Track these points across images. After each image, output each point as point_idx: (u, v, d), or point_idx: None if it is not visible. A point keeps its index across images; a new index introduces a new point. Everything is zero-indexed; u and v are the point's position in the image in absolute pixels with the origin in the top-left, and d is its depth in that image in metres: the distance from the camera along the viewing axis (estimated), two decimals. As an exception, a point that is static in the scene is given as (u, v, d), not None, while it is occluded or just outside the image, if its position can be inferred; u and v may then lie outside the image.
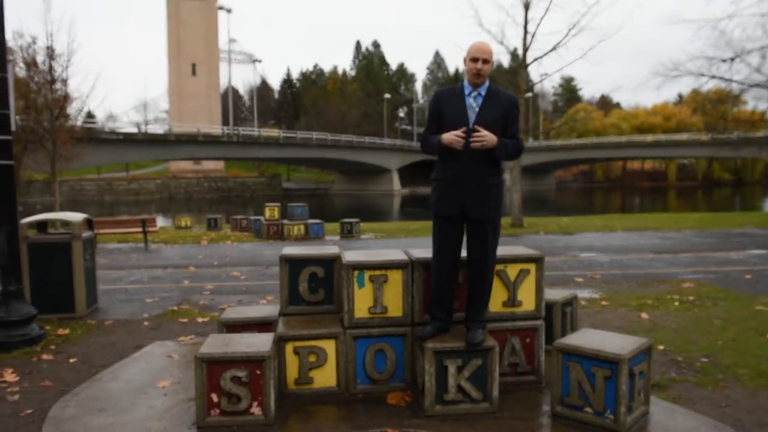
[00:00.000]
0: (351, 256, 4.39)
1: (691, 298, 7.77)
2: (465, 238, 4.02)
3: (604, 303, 7.55)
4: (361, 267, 4.19)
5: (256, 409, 3.75)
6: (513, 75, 23.28)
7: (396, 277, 4.21)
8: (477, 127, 3.81)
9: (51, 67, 23.02)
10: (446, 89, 4.12)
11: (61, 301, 6.96)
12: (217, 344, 3.91)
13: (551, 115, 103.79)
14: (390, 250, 4.72)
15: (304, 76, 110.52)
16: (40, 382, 4.78)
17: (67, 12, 55.74)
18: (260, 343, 3.91)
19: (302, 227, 17.14)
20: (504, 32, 31.42)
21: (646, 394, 3.90)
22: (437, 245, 4.02)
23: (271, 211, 17.71)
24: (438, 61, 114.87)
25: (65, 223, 7.40)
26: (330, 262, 4.60)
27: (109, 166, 63.35)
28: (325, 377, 4.20)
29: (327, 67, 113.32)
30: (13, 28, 33.22)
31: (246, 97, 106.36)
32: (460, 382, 3.89)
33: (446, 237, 3.98)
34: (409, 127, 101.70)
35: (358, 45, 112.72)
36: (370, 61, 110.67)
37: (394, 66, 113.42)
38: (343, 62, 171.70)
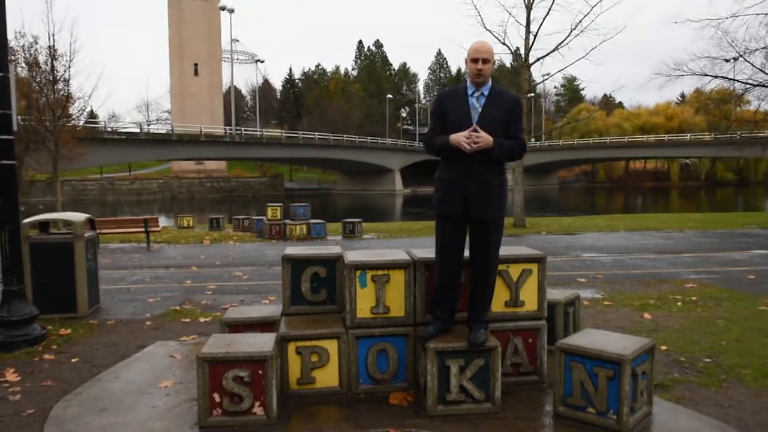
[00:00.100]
0: (353, 256, 4.39)
1: (693, 298, 7.75)
2: (468, 238, 4.02)
3: (606, 303, 7.54)
4: (364, 267, 4.18)
5: (258, 409, 3.74)
6: (515, 75, 23.28)
7: (398, 277, 4.21)
8: (475, 128, 3.80)
9: (53, 67, 23.03)
10: (449, 90, 4.11)
11: (63, 301, 6.96)
12: (220, 344, 3.91)
13: (553, 115, 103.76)
14: (392, 250, 4.71)
15: (307, 76, 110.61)
16: (41, 382, 4.78)
17: (70, 11, 55.61)
18: (262, 343, 3.91)
19: (304, 227, 17.15)
20: (506, 32, 31.52)
21: (649, 394, 3.88)
22: (440, 245, 4.01)
23: (274, 211, 17.74)
24: (440, 61, 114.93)
25: (67, 223, 7.41)
26: (332, 262, 4.59)
27: (112, 166, 63.34)
28: (328, 377, 4.20)
29: (329, 67, 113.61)
30: (15, 27, 33.24)
31: (248, 97, 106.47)
32: (462, 383, 3.89)
33: (449, 237, 3.97)
34: (411, 127, 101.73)
35: (360, 45, 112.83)
36: (373, 61, 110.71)
37: (396, 66, 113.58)
38: (346, 62, 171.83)
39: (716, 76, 20.50)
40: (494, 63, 3.97)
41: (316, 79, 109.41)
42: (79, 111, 25.91)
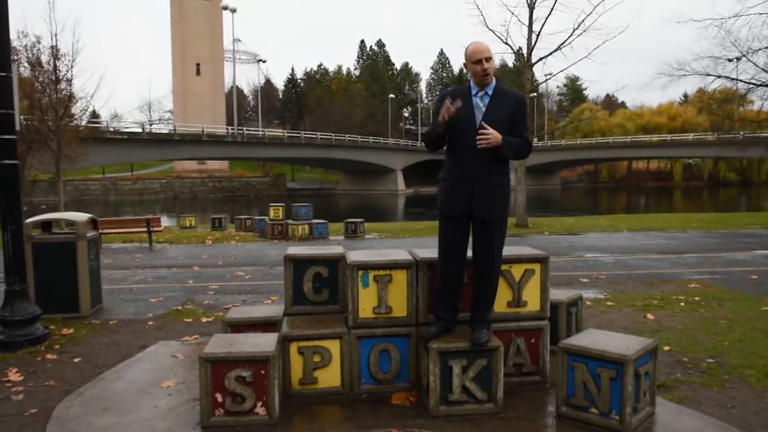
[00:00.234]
0: (355, 256, 4.38)
1: (696, 298, 7.74)
2: (471, 238, 4.01)
3: (609, 303, 7.53)
4: (366, 267, 4.18)
5: (260, 409, 3.74)
6: (518, 74, 23.24)
7: (400, 277, 4.20)
8: (483, 124, 3.79)
9: (55, 67, 23.06)
10: (453, 89, 4.07)
11: (65, 300, 6.96)
12: (222, 344, 3.91)
13: (556, 115, 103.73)
14: (394, 250, 4.70)
15: (309, 76, 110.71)
16: (44, 381, 4.78)
17: (72, 11, 55.71)
18: (265, 343, 3.91)
19: (306, 227, 17.16)
20: (509, 32, 31.54)
21: (652, 394, 3.88)
22: (443, 245, 4.00)
23: (276, 211, 17.75)
24: (442, 61, 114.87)
25: (70, 223, 7.42)
26: (334, 262, 4.59)
27: (114, 166, 63.43)
28: (330, 377, 4.19)
29: (331, 67, 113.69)
30: (18, 27, 33.38)
31: (250, 97, 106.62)
32: (464, 383, 3.88)
33: (452, 237, 3.96)
34: (413, 127, 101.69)
35: (362, 45, 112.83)
36: (375, 60, 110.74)
37: (398, 66, 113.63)
38: (348, 62, 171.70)
39: (719, 76, 20.47)
40: (494, 59, 3.95)
41: (318, 78, 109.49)
42: (81, 111, 25.96)
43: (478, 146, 3.76)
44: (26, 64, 22.88)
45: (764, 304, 7.29)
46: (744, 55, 19.49)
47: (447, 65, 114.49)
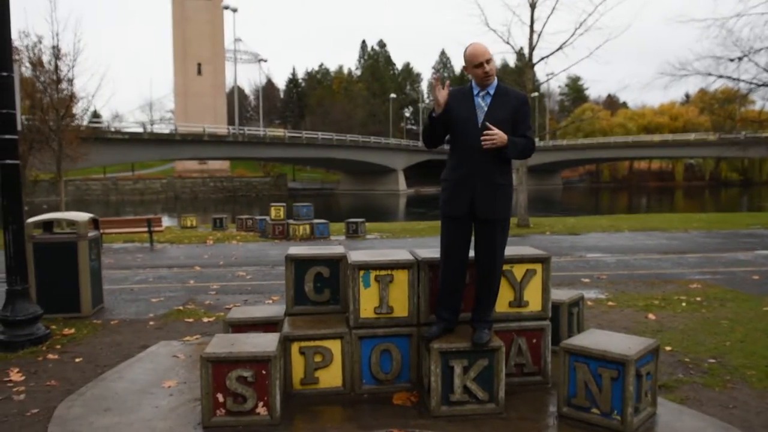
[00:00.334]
0: (357, 256, 4.38)
1: (698, 298, 7.73)
2: (473, 239, 4.00)
3: (610, 303, 7.52)
4: (367, 267, 4.18)
5: (261, 409, 3.74)
6: (519, 74, 23.25)
7: (402, 277, 4.20)
8: (488, 125, 3.78)
9: (57, 67, 23.03)
10: (455, 89, 4.03)
11: (66, 300, 6.97)
12: (223, 344, 3.91)
13: (558, 115, 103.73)
14: (396, 250, 4.70)
15: (310, 76, 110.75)
16: (45, 381, 4.78)
17: (73, 11, 55.84)
18: (266, 343, 3.91)
19: (308, 227, 17.16)
20: (510, 31, 31.54)
21: (654, 395, 3.87)
22: (445, 245, 3.99)
23: (277, 210, 17.74)
24: (444, 61, 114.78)
25: (71, 223, 7.42)
26: (336, 262, 4.59)
27: (115, 166, 63.49)
28: (331, 377, 4.19)
29: (332, 67, 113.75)
30: (19, 27, 33.39)
31: (251, 97, 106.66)
32: (466, 383, 3.88)
33: (455, 237, 3.95)
34: (414, 127, 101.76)
35: (363, 44, 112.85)
36: (376, 60, 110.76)
37: (399, 65, 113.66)
38: (349, 62, 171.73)
39: (721, 76, 20.42)
40: (494, 59, 3.94)
41: (319, 78, 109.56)
42: (82, 111, 25.92)
43: (483, 147, 3.75)
44: (28, 64, 22.88)
45: (766, 305, 7.28)
46: (746, 55, 19.47)
47: (448, 65, 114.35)
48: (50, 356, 5.47)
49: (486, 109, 3.87)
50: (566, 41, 19.25)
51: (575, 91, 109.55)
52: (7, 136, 5.69)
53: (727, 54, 19.82)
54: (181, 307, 7.63)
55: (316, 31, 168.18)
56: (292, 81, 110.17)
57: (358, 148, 68.83)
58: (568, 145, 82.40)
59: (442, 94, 3.86)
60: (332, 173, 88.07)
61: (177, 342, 5.84)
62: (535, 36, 19.45)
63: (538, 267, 4.34)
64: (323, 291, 4.59)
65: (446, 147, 4.07)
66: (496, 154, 3.81)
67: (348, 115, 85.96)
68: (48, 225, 7.47)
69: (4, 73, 5.63)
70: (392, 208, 52.42)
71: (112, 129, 47.63)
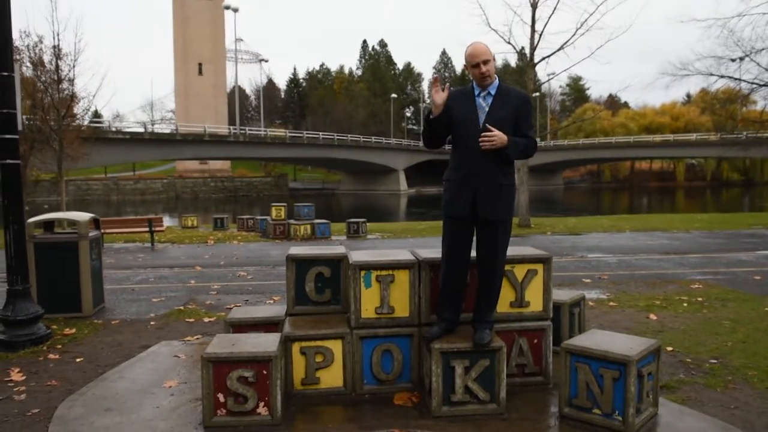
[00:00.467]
0: (358, 256, 4.38)
1: (699, 299, 7.72)
2: (475, 239, 3.99)
3: (611, 304, 7.51)
4: (368, 267, 4.17)
5: (262, 410, 3.74)
6: (520, 74, 23.25)
7: (403, 278, 4.20)
8: (488, 126, 3.77)
9: (58, 67, 23.04)
10: (456, 90, 4.02)
11: (67, 300, 6.97)
12: (224, 344, 3.90)
13: (559, 115, 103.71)
14: (397, 250, 4.70)
15: (311, 76, 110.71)
16: (46, 381, 4.79)
17: (74, 11, 55.79)
18: (267, 343, 3.90)
19: (309, 227, 17.16)
20: (511, 31, 31.50)
21: (655, 395, 3.86)
22: (447, 246, 3.98)
23: (278, 211, 17.75)
24: (445, 61, 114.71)
25: (72, 223, 7.42)
26: (337, 262, 4.58)
27: (116, 166, 63.48)
28: (332, 377, 4.19)
29: (333, 67, 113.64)
30: (20, 27, 33.38)
31: (252, 97, 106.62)
32: (467, 383, 3.87)
33: (456, 238, 3.94)
34: (415, 127, 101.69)
35: (364, 44, 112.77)
36: (377, 60, 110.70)
37: (400, 65, 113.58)
38: (350, 62, 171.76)
39: (722, 76, 20.41)
40: (495, 59, 3.92)
41: (320, 78, 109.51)
42: (83, 110, 25.91)
43: (482, 148, 3.74)
44: (28, 64, 22.89)
45: (767, 305, 7.28)
46: (747, 55, 19.46)
47: (449, 65, 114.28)
48: (51, 356, 5.48)
49: (487, 109, 3.86)
50: (567, 41, 19.25)
51: (576, 91, 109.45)
52: (7, 136, 5.70)
53: (729, 54, 19.83)
54: (182, 307, 7.63)
55: (317, 31, 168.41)
56: (293, 81, 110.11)
57: (359, 148, 68.83)
58: (570, 145, 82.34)
59: (440, 96, 3.86)
60: (333, 173, 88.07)
61: (178, 342, 5.84)
62: (536, 36, 19.44)
63: (540, 267, 4.33)
64: (324, 291, 4.58)
65: (448, 148, 4.06)
66: (498, 154, 3.80)
67: (349, 115, 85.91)
68: (49, 225, 7.47)
69: (5, 73, 5.64)
70: (393, 208, 52.41)
71: (113, 129, 47.56)
